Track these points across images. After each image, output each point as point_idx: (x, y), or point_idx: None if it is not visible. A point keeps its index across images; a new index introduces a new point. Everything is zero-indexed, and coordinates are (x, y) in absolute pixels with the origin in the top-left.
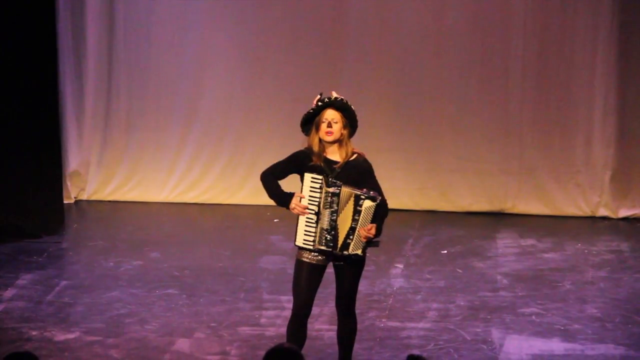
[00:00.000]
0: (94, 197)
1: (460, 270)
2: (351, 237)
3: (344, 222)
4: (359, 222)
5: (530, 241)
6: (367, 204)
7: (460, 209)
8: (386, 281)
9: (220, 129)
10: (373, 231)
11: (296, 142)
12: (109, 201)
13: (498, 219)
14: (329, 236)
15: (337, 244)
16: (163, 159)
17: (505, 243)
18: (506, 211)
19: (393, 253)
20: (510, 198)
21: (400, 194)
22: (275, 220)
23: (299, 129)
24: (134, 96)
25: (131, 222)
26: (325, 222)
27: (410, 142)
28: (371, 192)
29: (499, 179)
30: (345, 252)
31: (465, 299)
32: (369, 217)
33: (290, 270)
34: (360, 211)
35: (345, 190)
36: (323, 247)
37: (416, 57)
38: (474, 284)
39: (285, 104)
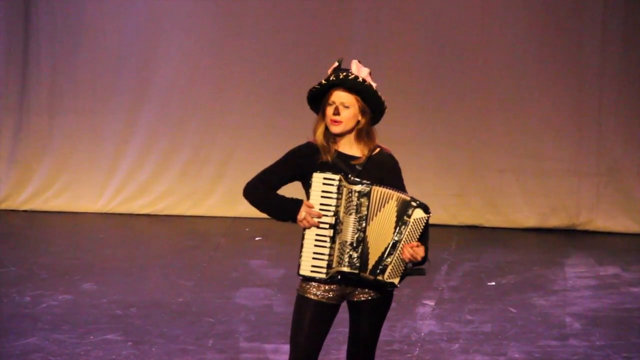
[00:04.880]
0: (3, 206)
1: (514, 310)
2: (390, 257)
3: (378, 235)
4: (403, 238)
5: (612, 269)
6: (418, 214)
7: (514, 225)
8: (411, 324)
9: (181, 113)
10: (422, 252)
11: (287, 130)
12: (25, 211)
13: (568, 238)
14: (354, 253)
15: (366, 264)
16: (101, 154)
17: (578, 272)
18: (579, 227)
19: (420, 285)
20: (585, 209)
21: (430, 203)
22: (257, 239)
23: (289, 111)
24: (60, 67)
25: (56, 241)
26: (348, 234)
27: (446, 132)
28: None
29: (569, 183)
30: (380, 278)
31: (522, 349)
32: (417, 234)
33: (278, 308)
34: (407, 223)
35: (379, 190)
36: (345, 269)
37: (455, 19)
38: (533, 328)
39: (270, 77)
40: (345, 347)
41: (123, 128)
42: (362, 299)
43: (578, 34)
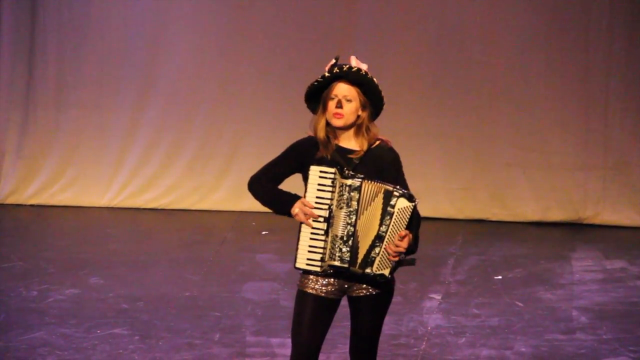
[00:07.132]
0: (10, 200)
1: (520, 304)
2: (377, 249)
3: (367, 229)
4: (389, 229)
5: (618, 263)
6: (402, 203)
7: (520, 218)
8: (417, 318)
9: (187, 107)
10: (406, 242)
11: (293, 125)
12: (32, 205)
13: (574, 231)
14: (344, 248)
15: (355, 258)
16: (107, 148)
17: (584, 266)
18: (585, 221)
19: (427, 278)
20: (592, 203)
21: (437, 196)
22: (263, 233)
23: (295, 105)
24: (66, 62)
25: (63, 235)
26: (339, 228)
27: (452, 126)
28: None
29: (575, 177)
30: (368, 271)
31: (528, 343)
32: (403, 223)
33: (284, 301)
34: (391, 213)
35: (370, 184)
36: (336, 263)
37: (462, 13)
38: (540, 322)
39: (276, 72)
40: None
41: (129, 123)
42: (361, 294)
43: (585, 29)
